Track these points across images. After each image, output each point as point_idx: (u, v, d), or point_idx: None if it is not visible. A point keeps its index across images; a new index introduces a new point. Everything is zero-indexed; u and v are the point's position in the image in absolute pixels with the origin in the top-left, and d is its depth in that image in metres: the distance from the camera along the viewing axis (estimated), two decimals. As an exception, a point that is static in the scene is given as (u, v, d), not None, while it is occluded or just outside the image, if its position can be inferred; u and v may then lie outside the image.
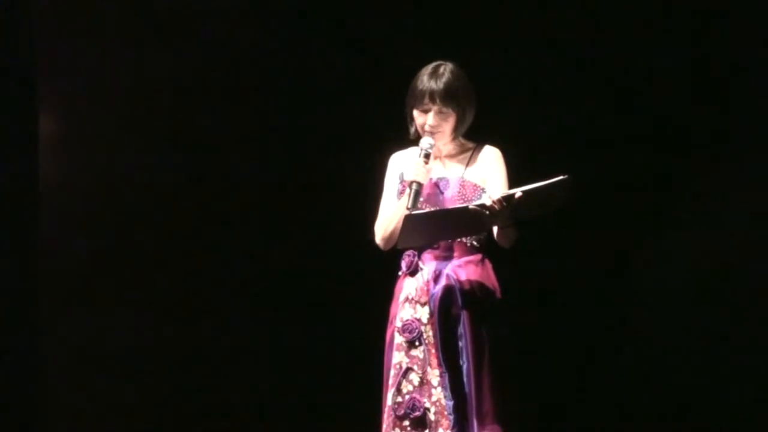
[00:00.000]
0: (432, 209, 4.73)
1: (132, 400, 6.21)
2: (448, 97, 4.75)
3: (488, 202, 4.56)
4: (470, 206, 4.59)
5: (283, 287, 6.50)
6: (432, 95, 4.75)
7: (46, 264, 6.07)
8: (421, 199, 4.77)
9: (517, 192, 4.56)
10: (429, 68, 4.82)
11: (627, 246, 6.24)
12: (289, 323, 6.47)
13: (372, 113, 6.12)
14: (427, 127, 4.78)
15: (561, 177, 4.56)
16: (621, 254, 6.25)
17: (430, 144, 4.77)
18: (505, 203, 4.55)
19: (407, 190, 4.73)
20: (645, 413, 6.25)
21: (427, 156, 4.75)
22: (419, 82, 4.79)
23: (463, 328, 4.75)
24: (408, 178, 4.76)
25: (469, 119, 4.83)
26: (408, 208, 4.69)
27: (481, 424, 4.72)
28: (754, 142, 6.09)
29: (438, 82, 4.76)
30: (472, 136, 4.89)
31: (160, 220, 6.31)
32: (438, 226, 4.71)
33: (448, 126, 4.79)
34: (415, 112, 4.81)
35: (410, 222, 4.63)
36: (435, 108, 4.76)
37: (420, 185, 4.73)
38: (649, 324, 6.23)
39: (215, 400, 6.39)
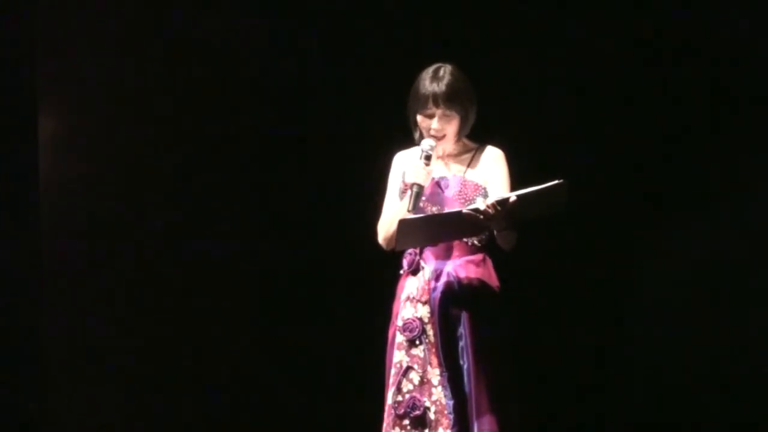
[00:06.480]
0: (426, 214, 4.73)
1: (132, 400, 6.22)
2: (451, 100, 4.74)
3: (482, 207, 4.56)
4: (464, 211, 4.59)
5: (284, 286, 6.51)
6: (435, 99, 4.74)
7: (46, 264, 6.07)
8: (423, 198, 4.77)
9: (512, 196, 4.56)
10: (429, 71, 4.81)
11: (628, 246, 6.25)
12: (291, 322, 6.48)
13: (374, 113, 6.13)
14: (432, 132, 4.78)
15: (556, 181, 4.56)
16: (622, 254, 6.25)
17: (431, 146, 4.77)
18: (499, 207, 4.55)
19: (408, 192, 4.74)
20: (644, 413, 6.26)
21: (428, 158, 4.75)
22: (421, 86, 4.77)
23: (464, 327, 4.75)
24: (409, 180, 4.76)
25: (471, 120, 4.83)
26: (409, 210, 4.70)
27: (480, 423, 4.72)
28: (755, 141, 6.11)
29: (440, 84, 4.74)
30: (476, 136, 4.89)
31: (161, 219, 6.31)
32: (434, 229, 4.71)
33: (452, 129, 4.79)
34: (419, 117, 4.80)
35: (405, 226, 4.63)
36: (439, 112, 4.76)
37: (421, 187, 4.72)
38: (650, 324, 6.23)
39: (215, 400, 6.40)
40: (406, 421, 4.76)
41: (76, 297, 6.13)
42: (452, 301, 4.77)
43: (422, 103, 4.77)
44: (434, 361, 4.76)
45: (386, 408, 4.78)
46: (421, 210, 4.79)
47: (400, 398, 4.76)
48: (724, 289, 6.13)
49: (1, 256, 6.01)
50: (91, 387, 6.13)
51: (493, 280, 4.83)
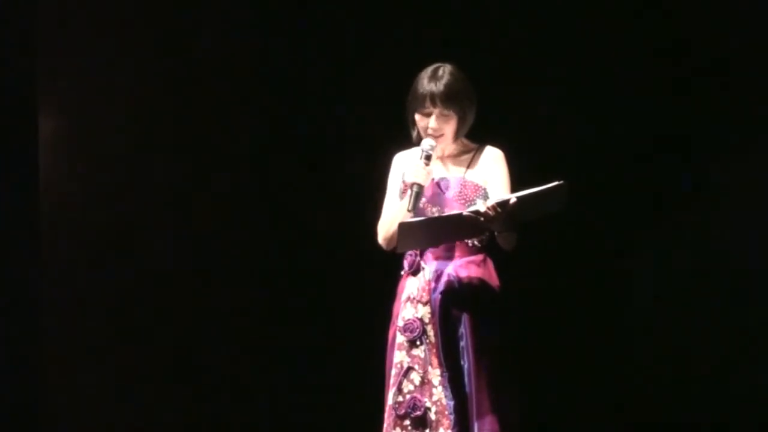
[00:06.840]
0: (426, 217, 4.72)
1: (132, 400, 6.21)
2: (449, 100, 4.73)
3: (482, 209, 4.55)
4: (464, 213, 4.59)
5: (285, 286, 6.51)
6: (433, 98, 4.73)
7: (46, 264, 6.07)
8: (423, 199, 4.77)
9: (512, 198, 4.56)
10: (429, 71, 4.80)
11: (628, 246, 6.25)
12: (291, 322, 6.48)
13: (374, 113, 6.13)
14: (429, 131, 4.77)
15: (556, 182, 4.56)
16: (622, 254, 6.25)
17: (431, 146, 4.76)
18: (499, 209, 4.54)
19: (408, 192, 4.73)
20: (645, 413, 6.26)
21: (428, 158, 4.75)
22: (419, 86, 4.77)
23: (464, 328, 4.75)
24: (409, 180, 4.76)
25: (470, 120, 4.83)
26: (409, 210, 4.70)
27: (481, 424, 4.71)
28: (754, 140, 6.12)
29: (438, 84, 4.74)
30: (476, 136, 4.89)
31: (160, 219, 6.31)
32: (434, 232, 4.70)
33: (449, 128, 4.79)
34: (417, 116, 4.80)
35: (405, 229, 4.63)
36: (436, 111, 4.75)
37: (421, 187, 4.72)
38: (650, 324, 6.24)
39: (215, 400, 6.39)
40: (407, 422, 4.75)
41: (76, 297, 6.12)
42: (453, 301, 4.76)
43: (420, 102, 4.77)
44: (435, 361, 4.76)
45: (387, 408, 4.78)
46: (422, 211, 4.78)
47: (400, 399, 4.76)
48: (724, 288, 6.13)
49: (1, 256, 6.00)
50: (91, 386, 6.12)
51: (494, 281, 4.83)
